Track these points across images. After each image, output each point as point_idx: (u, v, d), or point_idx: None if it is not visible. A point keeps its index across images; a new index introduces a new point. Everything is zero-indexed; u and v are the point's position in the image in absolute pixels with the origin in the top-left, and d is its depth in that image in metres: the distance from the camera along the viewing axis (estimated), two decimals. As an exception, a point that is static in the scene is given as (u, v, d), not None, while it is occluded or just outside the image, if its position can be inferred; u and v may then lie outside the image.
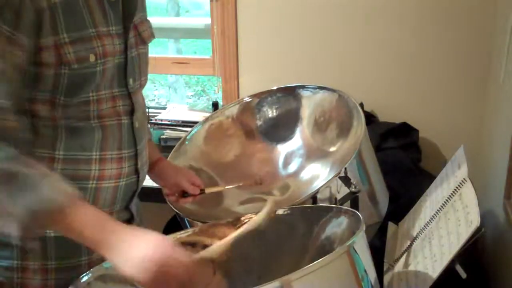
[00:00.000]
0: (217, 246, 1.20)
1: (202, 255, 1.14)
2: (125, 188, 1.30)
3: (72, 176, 1.21)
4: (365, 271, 1.05)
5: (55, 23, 1.11)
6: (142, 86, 1.35)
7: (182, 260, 1.03)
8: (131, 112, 1.29)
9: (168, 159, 1.72)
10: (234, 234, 1.23)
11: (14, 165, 1.02)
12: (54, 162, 1.21)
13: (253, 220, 1.25)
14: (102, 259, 1.26)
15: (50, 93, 1.16)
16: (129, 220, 1.38)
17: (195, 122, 1.92)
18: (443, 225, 1.33)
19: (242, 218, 1.43)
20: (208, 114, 1.95)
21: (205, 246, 1.40)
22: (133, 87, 1.29)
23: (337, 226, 1.29)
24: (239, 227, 1.36)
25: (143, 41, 1.32)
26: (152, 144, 1.55)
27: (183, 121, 2.40)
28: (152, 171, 1.52)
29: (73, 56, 1.14)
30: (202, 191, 1.57)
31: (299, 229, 1.36)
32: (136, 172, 1.32)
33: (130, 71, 1.27)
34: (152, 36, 1.37)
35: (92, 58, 1.16)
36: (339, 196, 1.44)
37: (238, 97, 2.41)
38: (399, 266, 1.41)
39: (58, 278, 1.28)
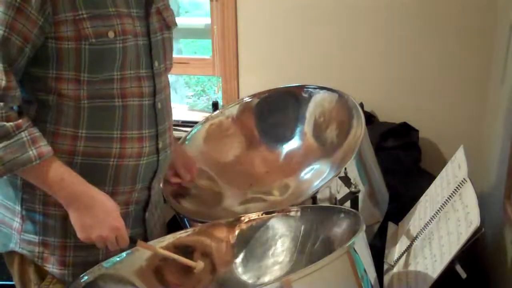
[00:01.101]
0: (154, 248, 1.32)
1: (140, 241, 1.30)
2: (146, 167, 1.34)
3: (94, 153, 1.28)
4: (365, 270, 1.06)
5: (74, 0, 1.18)
6: (167, 69, 1.40)
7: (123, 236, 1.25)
8: (154, 94, 1.33)
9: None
10: (170, 254, 1.32)
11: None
12: (77, 139, 1.27)
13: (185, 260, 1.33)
14: None
15: (74, 71, 1.22)
16: (147, 200, 1.41)
17: (195, 122, 1.91)
18: (443, 225, 1.33)
19: (242, 218, 1.43)
20: (208, 114, 1.94)
21: (204, 247, 1.41)
22: (158, 69, 1.34)
23: (337, 226, 1.29)
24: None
25: (168, 27, 1.38)
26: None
27: (183, 121, 2.39)
28: None
29: (91, 31, 1.20)
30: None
31: (299, 229, 1.36)
32: (157, 151, 1.36)
33: (155, 54, 1.33)
34: (174, 23, 1.42)
35: (111, 34, 1.23)
36: (339, 196, 1.44)
37: (238, 97, 2.41)
38: (399, 266, 1.41)
39: (76, 256, 1.33)
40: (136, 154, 1.32)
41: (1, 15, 1.14)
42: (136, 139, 1.31)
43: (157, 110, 1.34)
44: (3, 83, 1.16)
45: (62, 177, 1.22)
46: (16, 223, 1.33)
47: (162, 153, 1.37)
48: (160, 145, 1.36)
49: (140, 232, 1.41)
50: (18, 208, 1.32)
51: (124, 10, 1.25)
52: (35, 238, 1.32)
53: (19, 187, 1.31)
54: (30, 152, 1.18)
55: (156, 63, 1.33)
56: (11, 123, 1.17)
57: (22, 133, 1.18)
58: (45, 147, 1.20)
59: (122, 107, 1.28)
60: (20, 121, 1.18)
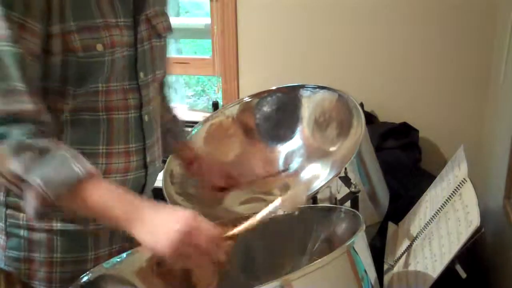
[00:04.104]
0: (243, 226, 1.18)
1: (227, 232, 1.13)
2: (133, 182, 1.29)
3: None
4: (365, 271, 1.06)
5: (63, 11, 1.12)
6: (156, 80, 1.33)
7: (206, 232, 1.07)
8: (140, 106, 1.28)
9: (168, 159, 1.73)
10: (259, 216, 1.19)
11: (34, 140, 1.06)
12: None
13: (273, 205, 1.18)
14: (108, 254, 1.30)
15: (60, 83, 1.16)
16: None
17: (195, 122, 1.91)
18: (443, 225, 1.33)
19: (242, 218, 1.43)
20: (208, 114, 1.95)
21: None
22: (143, 81, 1.28)
23: (337, 226, 1.29)
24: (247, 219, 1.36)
25: (158, 34, 1.32)
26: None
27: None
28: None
29: (79, 44, 1.14)
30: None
31: (299, 229, 1.36)
32: (145, 166, 1.31)
33: (140, 65, 1.27)
34: (168, 29, 1.36)
35: (99, 47, 1.16)
36: (339, 196, 1.44)
37: (238, 97, 2.41)
38: (399, 266, 1.41)
39: (63, 271, 1.29)
40: (123, 170, 1.26)
41: (8, 32, 1.07)
42: (122, 153, 1.26)
43: (144, 123, 1.29)
44: (31, 106, 1.08)
45: (115, 191, 1.09)
46: (0, 239, 1.29)
47: (150, 167, 1.32)
48: (148, 159, 1.31)
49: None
50: (1, 224, 1.28)
51: (112, 21, 1.19)
52: (20, 255, 1.28)
53: (2, 203, 1.26)
54: (76, 168, 1.06)
55: (141, 74, 1.27)
56: (48, 141, 1.07)
57: (63, 151, 1.08)
58: (88, 163, 1.09)
59: (106, 120, 1.22)
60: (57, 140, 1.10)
